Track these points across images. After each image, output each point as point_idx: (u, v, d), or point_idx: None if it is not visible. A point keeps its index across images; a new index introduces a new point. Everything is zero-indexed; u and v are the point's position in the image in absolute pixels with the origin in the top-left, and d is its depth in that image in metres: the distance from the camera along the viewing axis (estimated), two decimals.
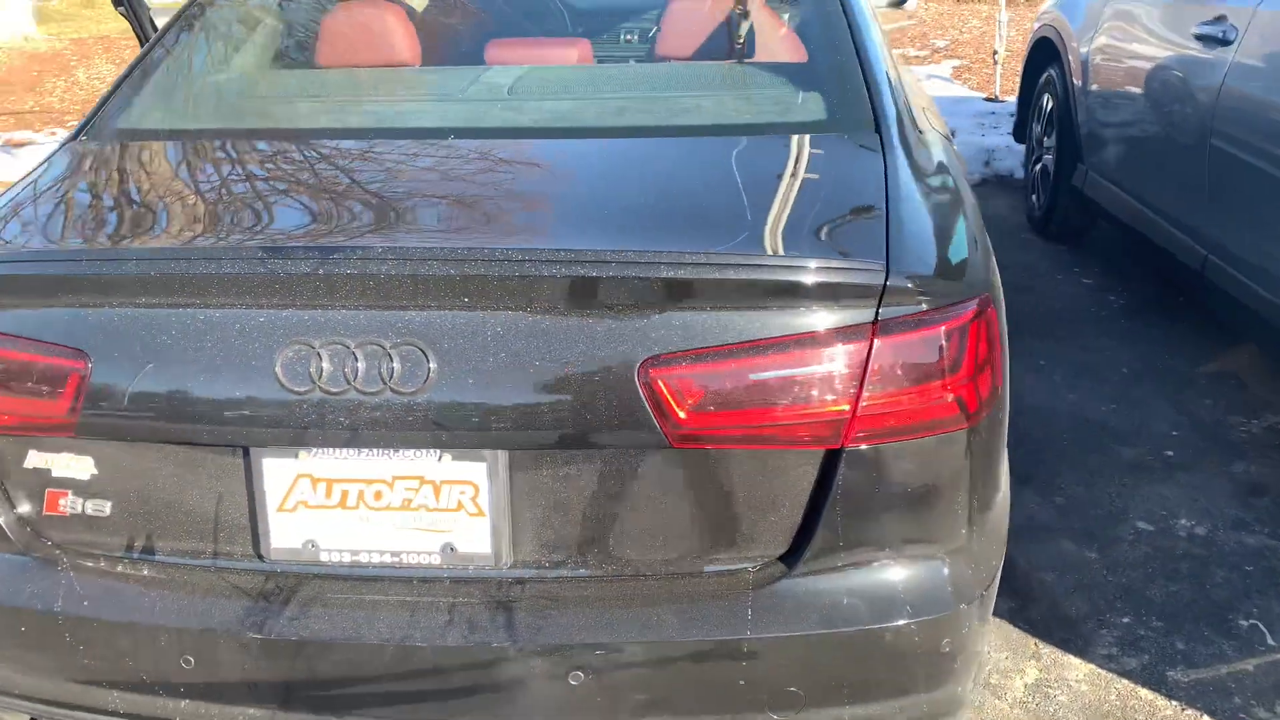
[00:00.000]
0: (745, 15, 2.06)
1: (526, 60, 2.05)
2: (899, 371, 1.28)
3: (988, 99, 6.55)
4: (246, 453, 1.32)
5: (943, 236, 1.43)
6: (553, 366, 1.23)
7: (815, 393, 1.27)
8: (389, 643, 1.29)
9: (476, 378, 1.24)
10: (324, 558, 1.34)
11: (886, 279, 1.27)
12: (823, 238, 1.35)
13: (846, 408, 1.27)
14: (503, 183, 1.53)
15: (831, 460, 1.30)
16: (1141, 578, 2.36)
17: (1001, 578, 1.42)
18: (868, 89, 1.73)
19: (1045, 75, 4.52)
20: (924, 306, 1.29)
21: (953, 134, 3.58)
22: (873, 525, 1.33)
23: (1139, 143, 3.53)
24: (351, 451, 1.30)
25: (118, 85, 1.88)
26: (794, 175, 1.51)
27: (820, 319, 1.26)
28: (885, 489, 1.32)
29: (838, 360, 1.26)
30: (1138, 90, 3.50)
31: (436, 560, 1.33)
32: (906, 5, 3.78)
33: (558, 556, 1.34)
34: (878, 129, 1.64)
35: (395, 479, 1.31)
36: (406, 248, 1.28)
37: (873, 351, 1.26)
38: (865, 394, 1.27)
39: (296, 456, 1.31)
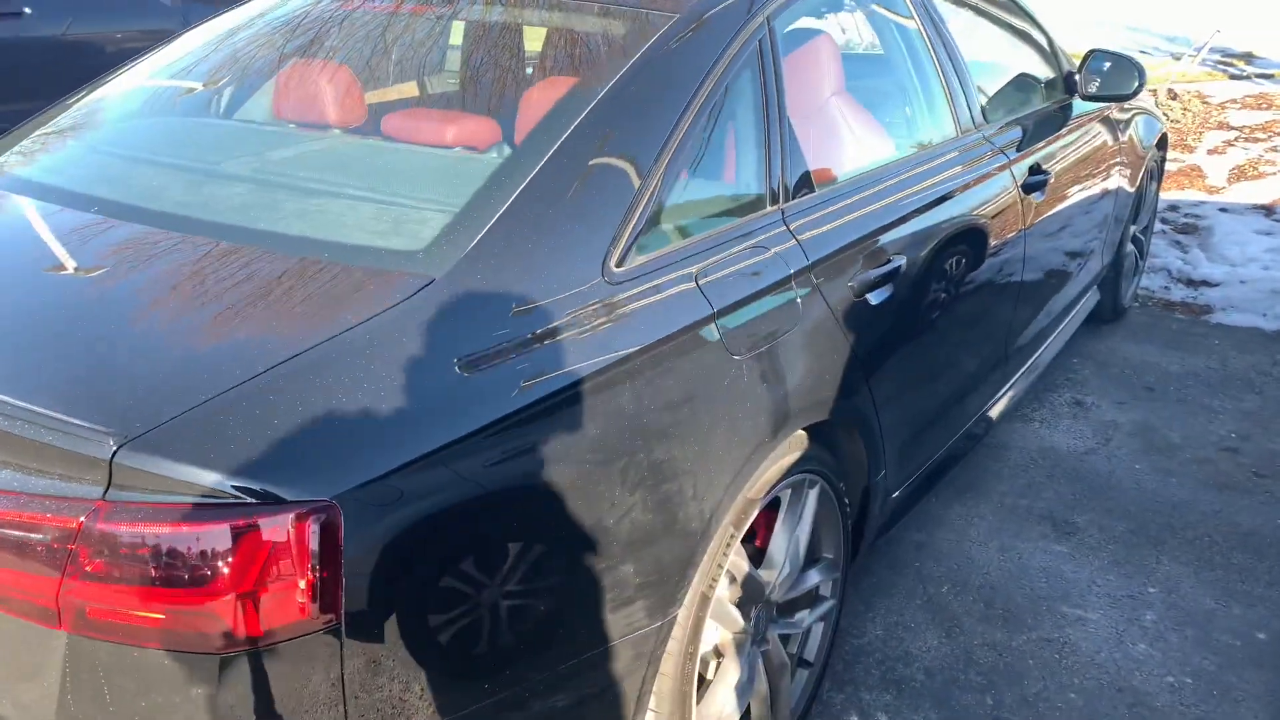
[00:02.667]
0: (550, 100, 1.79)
1: (349, 121, 1.99)
2: (117, 566, 1.09)
3: None
4: None
5: (318, 420, 1.15)
6: None
7: (22, 562, 1.12)
8: None
9: None
10: None
11: (115, 455, 1.08)
12: (109, 392, 1.17)
13: (51, 590, 1.11)
14: None
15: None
16: None
17: None
18: (510, 209, 1.45)
19: None
20: (173, 499, 1.08)
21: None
22: None
23: None
24: None
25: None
26: (224, 316, 1.29)
27: (39, 484, 1.11)
28: (119, 696, 1.13)
29: (47, 533, 1.10)
30: None
31: None
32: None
33: None
34: (454, 269, 1.37)
35: None
36: None
37: (84, 534, 1.09)
38: (72, 581, 1.10)
39: None
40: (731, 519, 1.63)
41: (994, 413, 2.87)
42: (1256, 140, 6.25)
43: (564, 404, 1.35)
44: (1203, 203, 5.46)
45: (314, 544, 1.10)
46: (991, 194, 2.49)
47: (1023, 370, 3.03)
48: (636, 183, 1.58)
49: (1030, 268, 2.79)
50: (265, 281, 1.38)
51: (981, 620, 2.43)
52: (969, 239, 2.36)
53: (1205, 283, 4.56)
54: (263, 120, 2.15)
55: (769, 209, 1.83)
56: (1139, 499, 2.94)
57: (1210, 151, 6.16)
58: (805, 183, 1.93)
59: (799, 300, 1.78)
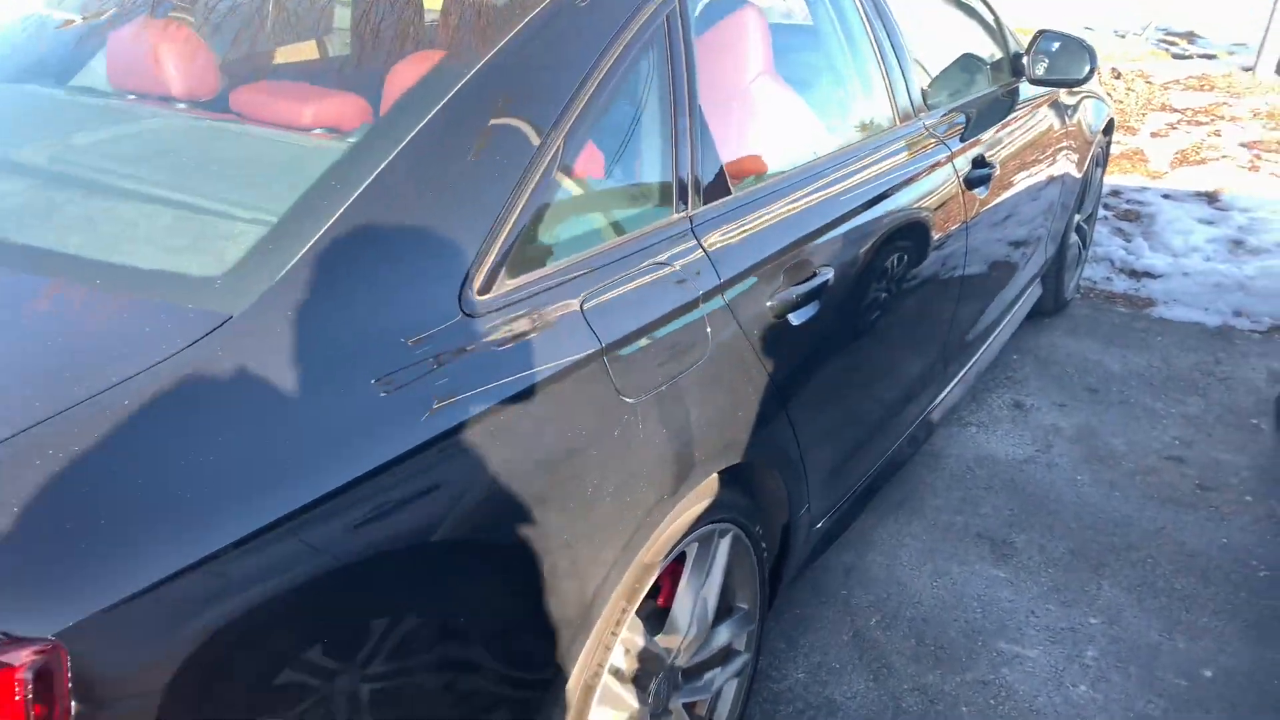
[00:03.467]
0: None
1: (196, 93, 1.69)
2: None
3: None
4: None
5: (34, 524, 0.86)
6: None
7: None
8: None
9: None
10: None
11: None
12: None
13: None
14: None
15: None
16: None
17: None
18: (341, 220, 1.17)
19: None
20: None
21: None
22: None
23: None
24: None
25: None
26: None
27: None
28: None
29: None
30: None
31: None
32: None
33: None
34: (259, 303, 1.08)
35: None
36: None
37: None
38: None
39: None
40: (623, 592, 1.38)
41: (932, 418, 2.66)
42: (1199, 124, 6.13)
43: (398, 478, 1.07)
44: (1145, 188, 5.32)
45: (26, 701, 0.82)
46: (930, 192, 2.25)
47: (960, 377, 2.82)
48: (508, 187, 1.30)
49: (971, 269, 2.57)
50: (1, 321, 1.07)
51: (912, 660, 2.22)
52: (905, 244, 2.12)
53: (1148, 274, 4.41)
54: (96, 89, 1.81)
55: (674, 217, 1.57)
56: (1080, 515, 2.76)
57: (1153, 134, 6.02)
58: (719, 185, 1.67)
59: (708, 327, 1.52)
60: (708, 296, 1.53)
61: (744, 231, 1.66)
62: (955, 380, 2.78)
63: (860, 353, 2.00)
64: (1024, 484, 2.90)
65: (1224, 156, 5.58)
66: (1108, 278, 4.43)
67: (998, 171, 2.61)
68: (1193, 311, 4.09)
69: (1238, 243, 4.63)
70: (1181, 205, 5.08)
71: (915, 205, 2.16)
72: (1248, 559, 2.59)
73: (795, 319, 1.72)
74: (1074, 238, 3.90)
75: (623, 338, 1.36)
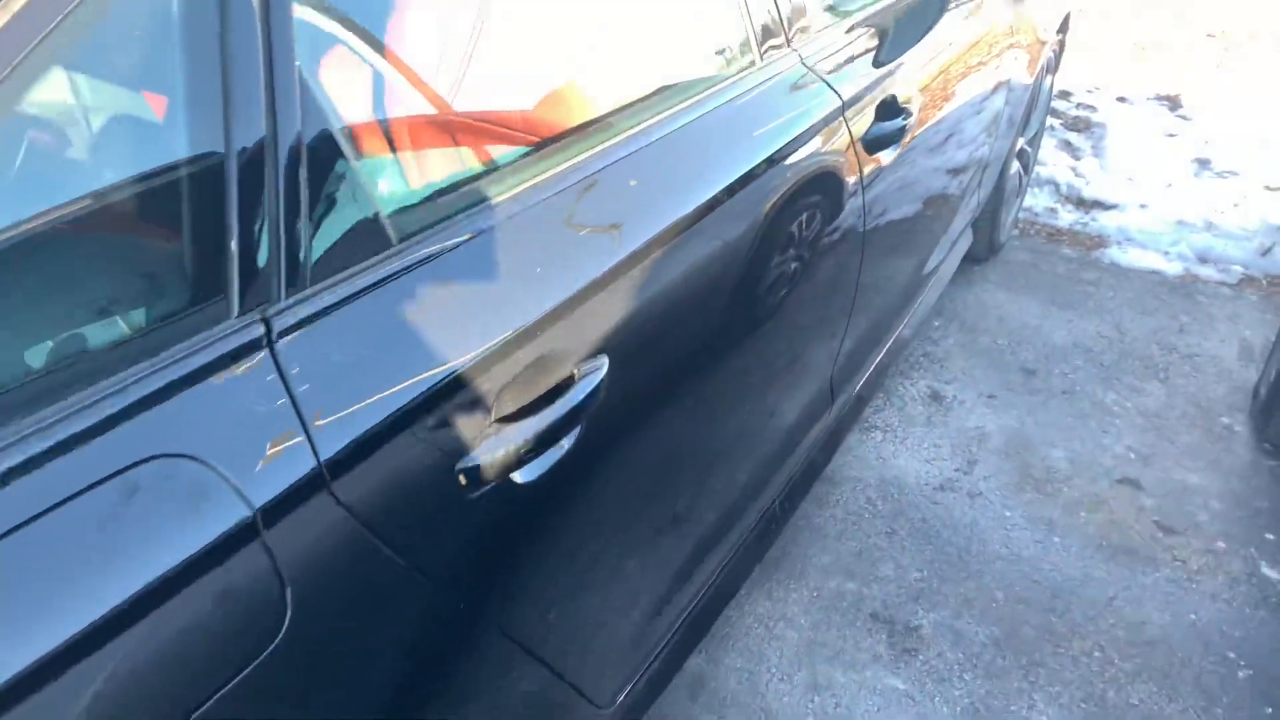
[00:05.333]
0: None
1: None
2: None
3: None
4: None
5: None
6: None
7: None
8: None
9: None
10: None
11: None
12: None
13: None
14: None
15: None
16: None
17: None
18: None
19: None
20: None
21: None
22: None
23: None
24: None
25: None
26: None
27: None
28: None
29: None
30: None
31: None
32: None
33: None
34: None
35: None
36: None
37: None
38: None
39: None
40: None
41: (816, 460, 1.93)
42: (1160, 5, 5.31)
43: None
44: (1097, 89, 4.53)
45: None
46: (802, 174, 1.44)
47: (859, 386, 2.08)
48: None
49: (870, 263, 1.79)
50: None
51: None
52: (752, 283, 1.32)
53: (1099, 204, 3.68)
54: None
55: (229, 324, 0.75)
56: (1009, 577, 2.08)
57: (1106, 19, 5.19)
58: (355, 235, 0.84)
59: (286, 588, 0.72)
60: (271, 516, 0.72)
61: (406, 328, 0.84)
62: (853, 393, 2.04)
63: (668, 472, 1.22)
64: (938, 526, 2.21)
65: (1188, 49, 4.80)
66: (1051, 208, 3.68)
67: (914, 118, 1.80)
68: (1150, 255, 3.39)
69: (1203, 163, 3.90)
70: (1139, 111, 4.32)
71: (774, 207, 1.35)
72: (1224, 648, 1.94)
73: (525, 475, 0.93)
74: (1015, 165, 3.13)
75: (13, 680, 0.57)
